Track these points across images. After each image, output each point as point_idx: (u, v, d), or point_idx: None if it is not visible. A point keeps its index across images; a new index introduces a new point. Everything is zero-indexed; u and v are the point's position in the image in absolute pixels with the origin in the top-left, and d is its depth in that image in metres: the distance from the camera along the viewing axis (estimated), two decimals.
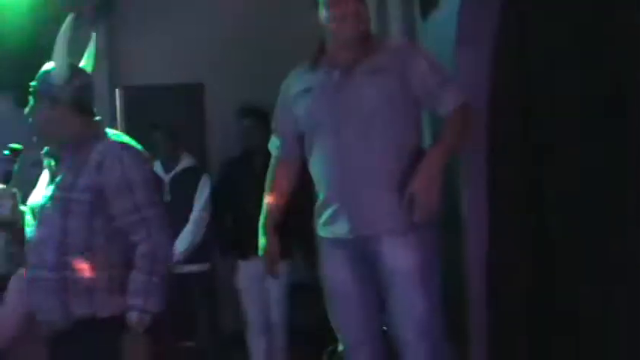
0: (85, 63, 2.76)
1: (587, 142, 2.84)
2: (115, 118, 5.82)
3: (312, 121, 3.02)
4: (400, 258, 2.91)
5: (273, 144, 3.27)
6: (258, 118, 4.54)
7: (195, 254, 4.44)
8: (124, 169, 2.55)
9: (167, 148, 4.60)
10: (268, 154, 4.42)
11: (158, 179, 2.50)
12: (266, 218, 3.20)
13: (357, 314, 3.06)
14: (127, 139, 2.71)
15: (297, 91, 3.07)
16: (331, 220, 3.00)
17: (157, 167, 4.52)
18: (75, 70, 2.69)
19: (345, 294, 3.05)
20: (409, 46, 3.32)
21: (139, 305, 2.49)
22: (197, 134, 5.65)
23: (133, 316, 2.48)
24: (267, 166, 4.40)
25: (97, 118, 2.73)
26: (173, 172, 4.52)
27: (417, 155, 2.91)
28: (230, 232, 4.57)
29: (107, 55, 5.75)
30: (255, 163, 4.52)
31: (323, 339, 4.21)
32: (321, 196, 3.05)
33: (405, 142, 2.95)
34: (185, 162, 4.60)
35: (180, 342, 4.72)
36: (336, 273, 3.06)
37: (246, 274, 4.53)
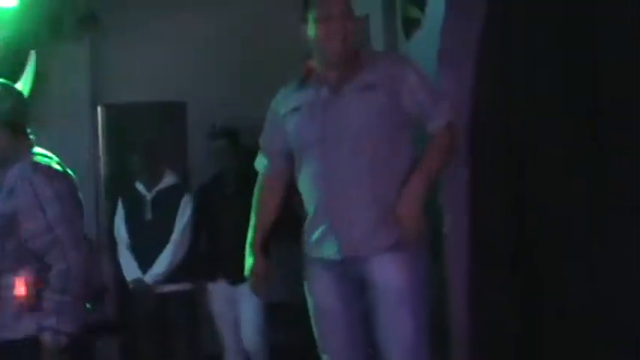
0: (23, 83, 2.76)
1: (571, 154, 2.83)
2: (96, 136, 5.79)
3: (301, 139, 2.99)
4: (389, 276, 2.88)
5: (261, 162, 3.23)
6: (229, 139, 4.51)
7: (176, 274, 4.39)
8: (34, 190, 2.56)
9: (147, 168, 4.53)
10: (240, 176, 4.45)
11: (76, 196, 2.49)
12: (253, 237, 3.18)
13: (344, 335, 3.02)
14: (44, 158, 2.70)
15: (287, 110, 3.04)
16: (319, 240, 2.97)
17: (139, 186, 4.47)
18: (8, 90, 2.71)
19: (331, 315, 3.02)
20: (399, 59, 3.25)
21: (52, 325, 2.48)
22: (179, 153, 5.61)
23: (46, 337, 2.48)
24: (238, 188, 4.42)
25: (31, 137, 2.73)
26: (155, 191, 4.47)
27: (409, 172, 2.88)
28: (202, 255, 4.52)
29: (89, 72, 5.73)
30: (227, 185, 4.50)
31: (304, 358, 4.18)
32: (309, 216, 3.02)
33: (395, 160, 2.92)
34: (167, 180, 4.55)
35: None
36: (323, 294, 3.03)
37: (217, 297, 4.48)
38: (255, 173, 4.82)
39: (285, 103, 3.06)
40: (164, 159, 4.70)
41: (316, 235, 2.97)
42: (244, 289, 4.40)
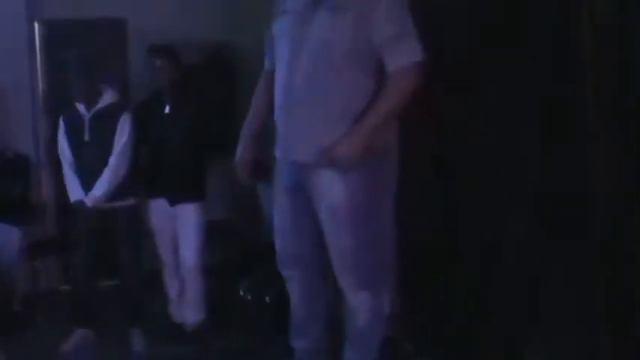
0: None
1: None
2: (34, 54, 5.66)
3: (277, 44, 3.10)
4: (328, 194, 2.98)
5: (266, 57, 3.30)
6: (168, 57, 4.44)
7: (119, 190, 4.36)
8: None
9: (84, 87, 4.43)
10: (179, 94, 4.41)
11: None
12: (246, 123, 3.29)
13: (288, 236, 3.17)
14: None
15: (279, 10, 3.11)
16: (278, 141, 3.10)
17: (79, 106, 4.40)
18: None
19: (281, 213, 3.18)
20: None
21: None
22: (120, 71, 5.52)
23: None
24: (176, 106, 4.39)
25: None
26: (93, 110, 4.40)
27: (363, 104, 2.91)
28: (142, 172, 4.50)
29: None
30: (166, 103, 4.45)
31: (239, 274, 4.27)
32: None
33: (351, 84, 2.93)
34: (106, 99, 4.45)
35: (103, 280, 4.71)
36: (278, 193, 3.18)
37: (156, 213, 4.50)
38: (195, 92, 4.82)
39: (282, 2, 3.11)
40: (102, 77, 4.59)
41: (278, 134, 3.10)
42: (184, 208, 4.45)
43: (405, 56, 2.88)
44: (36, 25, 5.61)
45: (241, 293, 4.12)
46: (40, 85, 5.69)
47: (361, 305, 3.09)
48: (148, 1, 5.63)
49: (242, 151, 3.27)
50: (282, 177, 3.16)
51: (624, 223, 2.59)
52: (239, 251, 4.78)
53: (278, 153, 3.14)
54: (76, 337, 4.43)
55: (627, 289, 2.64)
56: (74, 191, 4.36)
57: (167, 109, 4.46)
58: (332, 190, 2.97)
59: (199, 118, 4.47)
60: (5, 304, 4.73)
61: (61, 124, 4.45)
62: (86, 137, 4.34)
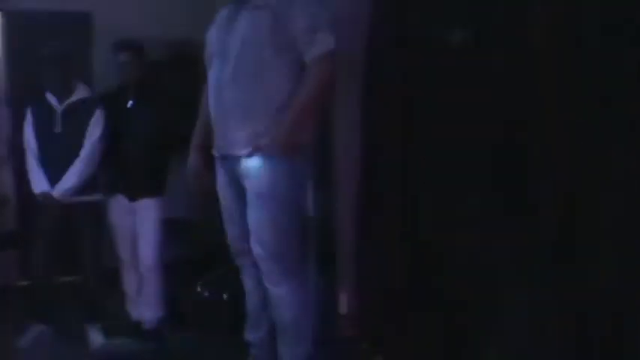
0: None
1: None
2: None
3: (209, 51, 3.31)
4: (252, 181, 3.13)
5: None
6: (133, 52, 4.43)
7: (86, 185, 4.34)
8: None
9: (58, 80, 4.40)
10: (142, 89, 4.41)
11: None
12: (194, 134, 3.46)
13: (235, 227, 3.31)
14: None
15: (215, 19, 3.32)
16: (214, 138, 3.29)
17: (51, 98, 4.37)
18: None
19: (226, 207, 3.33)
20: None
21: None
22: (85, 65, 5.48)
23: None
24: (139, 102, 4.39)
25: None
26: (66, 103, 4.37)
27: (288, 98, 3.04)
28: (103, 168, 4.47)
29: None
30: (129, 98, 4.43)
31: (196, 270, 4.27)
32: None
33: (275, 79, 3.07)
34: (80, 93, 4.43)
35: (62, 276, 4.68)
36: (220, 188, 3.33)
37: (116, 209, 4.47)
38: (159, 87, 4.81)
39: (221, 10, 3.29)
40: (76, 71, 4.56)
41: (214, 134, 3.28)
42: (143, 204, 4.43)
43: (318, 46, 3.03)
44: None
45: (199, 290, 4.11)
46: (2, 77, 5.63)
47: (286, 296, 3.17)
48: None
49: (191, 161, 3.45)
50: (220, 173, 3.32)
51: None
52: (197, 248, 4.77)
53: (215, 150, 3.31)
54: (33, 332, 4.39)
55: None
56: (39, 183, 4.31)
57: (130, 104, 4.43)
58: (259, 180, 3.12)
59: (162, 114, 4.45)
60: None
61: (28, 115, 4.41)
62: (57, 129, 4.30)
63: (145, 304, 4.52)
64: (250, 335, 3.47)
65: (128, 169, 4.41)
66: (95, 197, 4.37)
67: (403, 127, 3.15)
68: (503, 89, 2.70)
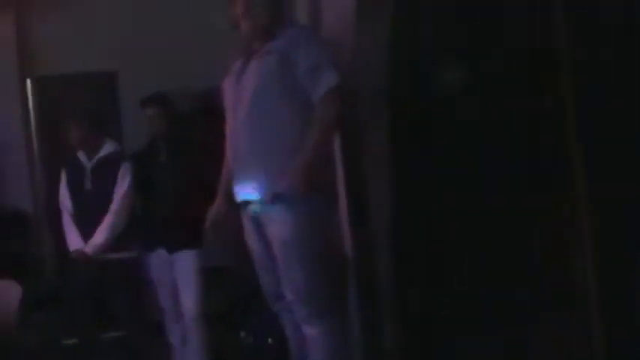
0: None
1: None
2: (27, 110, 5.73)
3: (225, 103, 3.34)
4: (276, 229, 3.15)
5: None
6: (161, 106, 4.51)
7: (119, 242, 4.40)
8: None
9: (86, 138, 4.50)
10: (172, 142, 4.48)
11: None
12: (221, 182, 3.46)
13: (267, 273, 3.30)
14: None
15: (230, 70, 3.38)
16: (236, 188, 3.30)
17: (81, 155, 4.46)
18: None
19: (255, 254, 3.33)
20: (302, 30, 3.43)
21: None
22: (111, 123, 5.58)
23: None
24: (171, 155, 4.45)
25: None
26: (95, 160, 4.45)
27: (300, 138, 3.09)
28: (139, 224, 4.53)
29: (15, 44, 5.65)
30: (160, 152, 4.50)
31: (240, 320, 4.29)
32: None
33: (285, 122, 3.13)
34: (107, 148, 4.52)
35: (105, 332, 4.72)
36: (247, 236, 3.34)
37: (155, 264, 4.50)
38: (189, 139, 4.88)
39: (236, 60, 3.36)
40: (104, 127, 4.66)
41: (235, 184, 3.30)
42: (182, 255, 4.47)
43: (322, 85, 3.10)
44: (28, 82, 5.70)
45: (243, 336, 4.13)
46: (35, 141, 5.75)
47: (320, 337, 3.19)
48: (136, 52, 5.72)
49: (214, 208, 3.46)
50: (246, 221, 3.32)
51: None
52: (239, 295, 4.80)
53: (237, 197, 3.31)
54: None
55: None
56: (73, 240, 4.38)
57: (163, 158, 4.50)
58: (281, 226, 3.13)
59: (193, 165, 4.51)
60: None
61: (63, 174, 4.50)
62: (87, 186, 4.39)
63: (190, 354, 4.54)
64: None
65: (164, 222, 4.46)
66: (130, 254, 4.43)
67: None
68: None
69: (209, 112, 5.79)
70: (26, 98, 5.70)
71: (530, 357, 2.91)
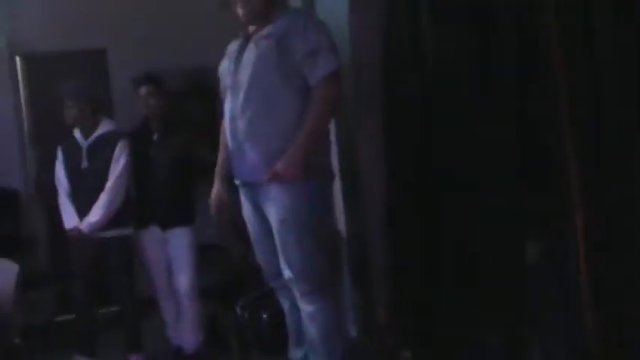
0: None
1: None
2: (17, 88, 5.72)
3: (223, 84, 3.42)
4: (274, 207, 3.22)
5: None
6: (153, 85, 4.53)
7: (113, 220, 4.43)
8: None
9: (84, 119, 4.51)
10: (165, 121, 4.51)
11: None
12: (218, 164, 3.56)
13: (265, 251, 3.39)
14: None
15: (226, 53, 3.44)
16: (234, 169, 3.38)
17: (77, 134, 4.47)
18: None
19: (253, 233, 3.42)
20: (300, 14, 3.48)
21: None
22: (103, 100, 5.57)
23: None
24: (164, 133, 4.49)
25: None
26: (91, 139, 4.47)
27: (297, 121, 3.14)
28: (132, 202, 4.57)
29: (4, 22, 5.62)
30: (153, 131, 4.53)
31: (233, 294, 4.34)
32: None
33: (284, 106, 3.17)
34: (104, 127, 4.52)
35: (103, 307, 4.77)
36: (246, 215, 3.42)
37: (149, 242, 4.55)
38: (181, 117, 4.90)
39: (231, 43, 3.42)
40: (99, 105, 4.65)
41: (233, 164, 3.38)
42: (175, 232, 4.52)
43: (320, 69, 3.14)
44: (17, 59, 5.68)
45: (238, 312, 4.18)
46: (25, 119, 5.75)
47: (316, 314, 3.27)
48: (125, 30, 5.71)
49: (214, 190, 3.57)
50: (244, 200, 3.41)
51: None
52: (233, 273, 4.86)
53: (235, 178, 3.40)
54: None
55: None
56: (69, 218, 4.41)
57: (155, 137, 4.54)
58: (278, 205, 3.20)
59: (187, 143, 4.56)
60: (3, 337, 4.75)
61: (59, 153, 4.52)
62: (83, 164, 4.40)
63: (184, 330, 4.61)
64: (293, 353, 3.53)
65: (157, 199, 4.50)
66: (125, 231, 4.47)
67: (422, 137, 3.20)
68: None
69: (199, 91, 5.84)
70: (16, 76, 5.68)
71: (524, 341, 2.98)
